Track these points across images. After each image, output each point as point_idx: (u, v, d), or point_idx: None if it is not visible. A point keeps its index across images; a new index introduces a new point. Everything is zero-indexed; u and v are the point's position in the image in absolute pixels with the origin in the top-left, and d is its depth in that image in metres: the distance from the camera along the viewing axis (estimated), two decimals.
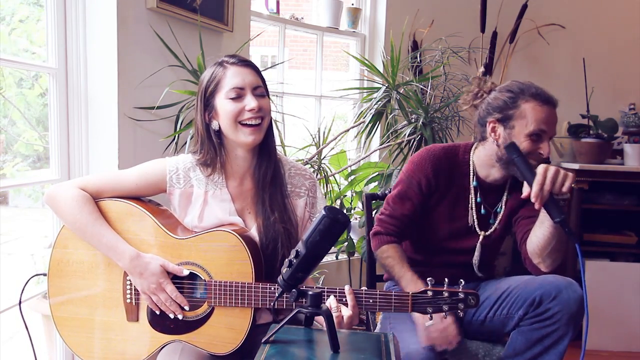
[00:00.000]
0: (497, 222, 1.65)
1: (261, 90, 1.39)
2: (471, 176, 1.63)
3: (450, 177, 1.63)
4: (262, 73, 1.43)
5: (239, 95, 1.35)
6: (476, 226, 1.65)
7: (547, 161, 1.47)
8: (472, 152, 1.64)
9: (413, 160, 1.65)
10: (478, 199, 1.63)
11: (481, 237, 1.65)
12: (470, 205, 1.64)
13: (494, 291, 1.61)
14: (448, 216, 1.65)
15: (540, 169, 1.35)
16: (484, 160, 1.61)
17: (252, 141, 1.36)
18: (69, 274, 1.40)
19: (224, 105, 1.35)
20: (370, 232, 1.68)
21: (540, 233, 1.47)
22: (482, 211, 1.64)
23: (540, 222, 1.47)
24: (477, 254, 1.64)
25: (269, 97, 1.43)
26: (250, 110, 1.34)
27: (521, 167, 1.40)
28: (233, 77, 1.35)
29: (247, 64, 1.39)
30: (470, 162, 1.64)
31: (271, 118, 1.44)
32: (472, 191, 1.63)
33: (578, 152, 3.06)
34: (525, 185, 1.38)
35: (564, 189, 1.35)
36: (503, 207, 1.65)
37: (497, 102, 1.53)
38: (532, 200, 1.35)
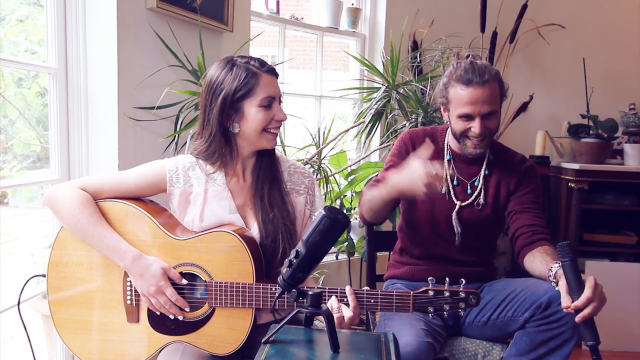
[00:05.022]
0: (475, 194, 1.68)
1: (281, 98, 1.42)
2: (445, 149, 1.72)
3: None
4: None
5: (269, 104, 1.37)
6: (452, 196, 1.69)
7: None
8: (448, 130, 1.73)
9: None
10: (450, 171, 1.71)
11: (457, 207, 1.68)
12: (444, 176, 1.69)
13: (498, 293, 1.60)
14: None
15: (591, 282, 1.24)
16: (452, 136, 1.69)
17: (272, 146, 1.42)
18: (68, 276, 1.40)
19: (254, 112, 1.36)
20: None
21: (538, 274, 1.48)
22: (455, 182, 1.70)
23: (542, 269, 1.42)
24: (455, 222, 1.67)
25: None
26: (279, 121, 1.39)
27: (568, 274, 1.26)
28: (267, 86, 1.37)
29: (275, 72, 1.41)
30: (445, 138, 1.75)
31: None
32: (446, 163, 1.71)
33: (578, 152, 3.06)
34: (564, 293, 1.27)
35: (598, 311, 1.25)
36: (481, 181, 1.69)
37: (438, 88, 1.67)
38: (571, 310, 1.25)
